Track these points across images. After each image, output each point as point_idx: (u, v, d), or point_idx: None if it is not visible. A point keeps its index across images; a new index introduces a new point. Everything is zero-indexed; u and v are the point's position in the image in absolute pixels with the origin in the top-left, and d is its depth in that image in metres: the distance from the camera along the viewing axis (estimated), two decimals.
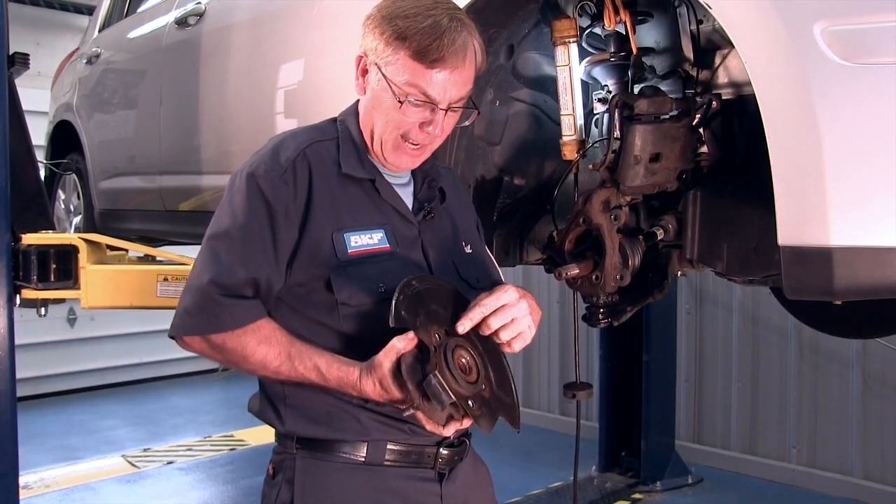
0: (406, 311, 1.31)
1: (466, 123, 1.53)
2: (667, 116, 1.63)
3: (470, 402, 1.29)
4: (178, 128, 3.18)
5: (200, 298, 1.41)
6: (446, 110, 1.43)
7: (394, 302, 1.30)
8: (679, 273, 1.88)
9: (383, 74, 1.42)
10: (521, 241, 2.17)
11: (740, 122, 1.69)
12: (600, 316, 1.77)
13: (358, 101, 1.55)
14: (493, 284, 1.51)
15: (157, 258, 3.48)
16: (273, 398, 1.50)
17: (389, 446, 1.46)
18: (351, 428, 1.44)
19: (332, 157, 1.47)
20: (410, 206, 1.53)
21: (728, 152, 1.71)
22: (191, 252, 3.85)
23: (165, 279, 3.08)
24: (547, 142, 2.05)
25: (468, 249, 1.60)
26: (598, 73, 1.81)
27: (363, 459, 1.45)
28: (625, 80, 1.75)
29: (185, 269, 3.13)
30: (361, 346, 1.41)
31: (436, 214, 1.55)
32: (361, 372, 1.37)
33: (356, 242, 1.43)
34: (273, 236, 1.41)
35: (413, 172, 1.57)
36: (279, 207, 1.41)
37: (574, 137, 1.73)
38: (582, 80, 1.80)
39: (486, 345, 1.38)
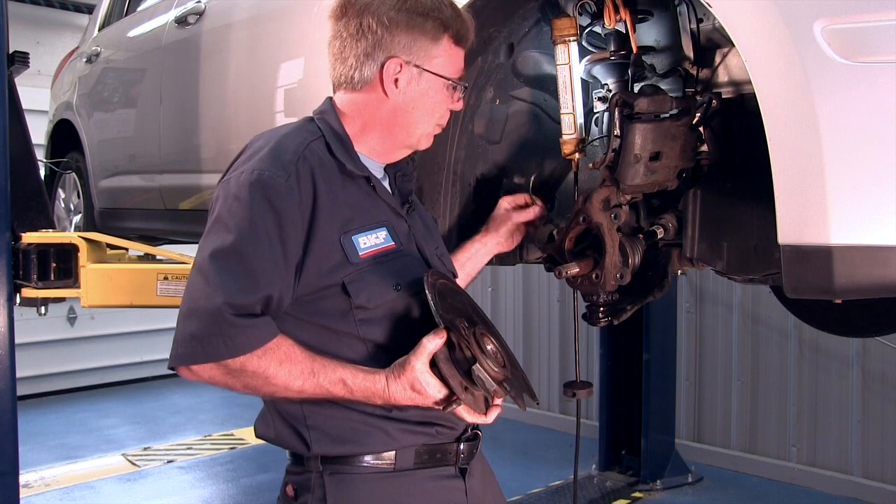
0: (441, 309, 1.33)
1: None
2: (667, 115, 1.63)
3: (506, 385, 1.34)
4: (178, 126, 3.18)
5: (212, 321, 1.29)
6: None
7: (431, 305, 1.32)
8: (679, 272, 1.87)
9: (431, 72, 1.43)
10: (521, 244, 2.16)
11: (740, 120, 1.69)
12: (600, 314, 1.77)
13: (330, 99, 1.53)
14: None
15: (157, 257, 3.48)
16: (291, 420, 1.43)
17: (417, 450, 1.45)
18: (379, 440, 1.42)
19: (326, 156, 1.44)
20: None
21: (728, 151, 1.70)
22: (191, 251, 3.86)
23: (165, 278, 3.08)
24: (547, 140, 2.05)
25: (439, 240, 1.64)
26: (599, 71, 1.81)
27: (392, 467, 1.43)
28: (625, 78, 1.75)
29: (185, 269, 3.13)
30: (378, 348, 1.41)
31: (415, 206, 1.58)
32: (388, 378, 1.34)
33: (365, 244, 1.41)
34: (283, 248, 1.33)
35: (388, 170, 1.57)
36: (288, 216, 1.33)
37: (574, 136, 1.73)
38: (582, 79, 1.80)
39: (486, 323, 1.43)
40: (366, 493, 1.41)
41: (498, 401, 1.40)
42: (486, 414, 1.39)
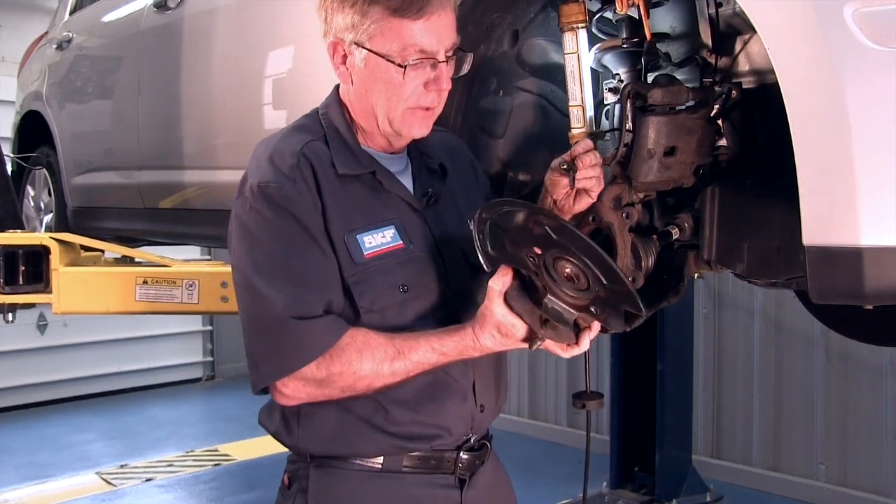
0: (493, 248, 1.35)
1: (465, 71, 1.53)
2: (683, 107, 1.64)
3: (592, 309, 1.34)
4: (158, 119, 3.18)
5: (282, 332, 1.38)
6: (447, 60, 1.45)
7: (477, 245, 1.35)
8: (696, 275, 1.88)
9: (371, 50, 1.42)
10: None
11: (762, 112, 1.69)
12: None
13: (337, 88, 1.56)
14: None
15: (136, 259, 3.49)
16: (288, 414, 1.50)
17: (408, 454, 1.50)
18: (369, 446, 1.48)
19: (326, 156, 1.48)
20: (412, 192, 1.56)
21: (749, 145, 1.71)
22: (172, 253, 3.87)
23: (145, 282, 3.09)
24: (554, 134, 2.06)
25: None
26: (609, 60, 1.82)
27: (380, 467, 1.48)
28: (638, 68, 1.75)
29: (165, 272, 3.14)
30: None
31: (440, 197, 1.58)
32: (474, 330, 1.39)
33: (370, 243, 1.45)
34: (319, 247, 1.41)
35: (409, 153, 1.59)
36: (309, 219, 1.41)
37: (583, 130, 1.73)
38: (592, 69, 1.81)
39: (573, 240, 1.39)
40: (348, 488, 1.48)
41: (596, 326, 1.40)
42: (577, 343, 1.39)
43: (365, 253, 1.44)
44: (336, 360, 1.39)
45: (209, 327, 8.25)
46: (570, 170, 1.56)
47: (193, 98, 2.95)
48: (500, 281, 1.36)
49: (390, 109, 1.46)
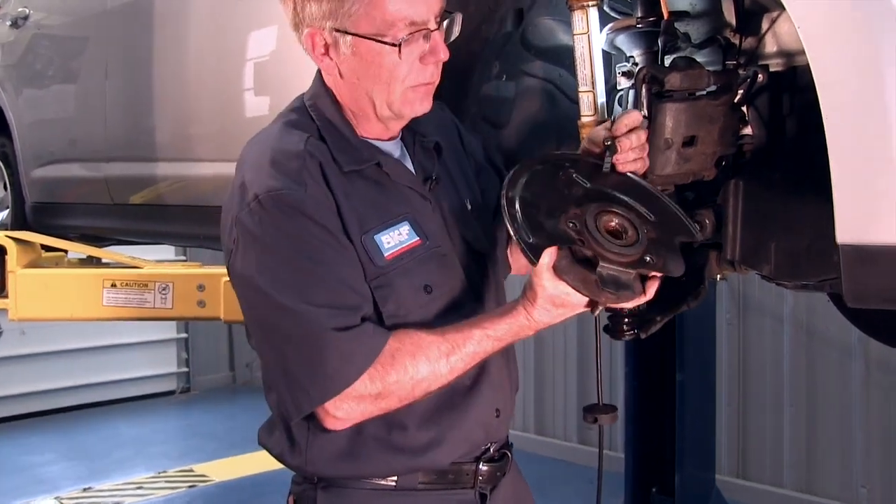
0: (531, 231, 1.41)
1: (456, 34, 1.55)
2: (703, 92, 1.65)
3: (647, 259, 1.40)
4: (128, 106, 3.19)
5: (323, 348, 1.39)
6: (438, 27, 1.47)
7: (518, 241, 1.40)
8: (718, 276, 1.89)
9: (357, 34, 1.44)
10: None
11: (791, 98, 1.70)
12: (625, 327, 1.78)
13: (321, 74, 1.57)
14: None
15: (103, 260, 3.49)
16: (296, 433, 1.52)
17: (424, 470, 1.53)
18: (381, 465, 1.51)
19: (327, 152, 1.50)
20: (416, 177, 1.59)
21: (776, 134, 1.72)
22: (142, 253, 3.86)
23: (113, 285, 3.10)
24: (562, 123, 2.07)
25: (470, 208, 1.67)
26: (623, 41, 1.82)
27: (394, 485, 1.51)
28: (654, 49, 1.76)
29: (135, 273, 3.15)
30: None
31: (440, 179, 1.62)
32: (526, 309, 1.43)
33: (388, 243, 1.48)
34: (345, 250, 1.44)
35: (403, 136, 1.61)
36: (329, 222, 1.43)
37: (594, 118, 1.74)
38: (603, 51, 1.82)
39: (613, 182, 1.45)
40: None
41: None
42: (644, 292, 1.44)
43: (385, 254, 1.47)
44: (390, 369, 1.41)
45: (184, 335, 8.24)
46: (609, 150, 1.51)
47: (167, 82, 2.96)
48: (547, 254, 1.40)
49: (389, 93, 1.48)
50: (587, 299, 1.43)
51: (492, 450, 1.59)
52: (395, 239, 1.48)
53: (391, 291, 1.46)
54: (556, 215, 1.43)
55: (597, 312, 1.46)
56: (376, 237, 1.47)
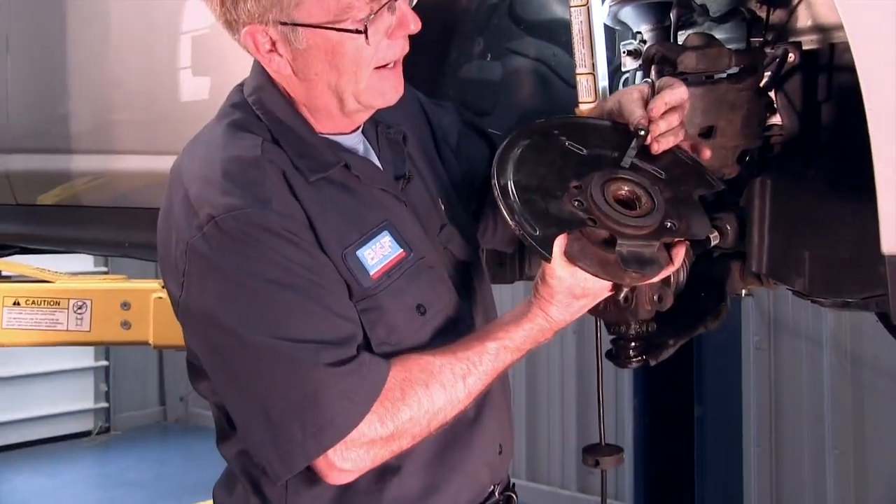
0: (535, 221, 1.43)
1: None
2: (724, 75, 1.67)
3: (668, 225, 1.46)
4: (35, 87, 3.18)
5: (318, 390, 1.38)
6: None
7: (525, 238, 1.42)
8: (743, 292, 1.91)
9: (309, 24, 1.43)
10: (521, 248, 2.19)
11: (828, 81, 1.71)
12: (631, 352, 1.79)
13: (259, 65, 1.56)
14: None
15: (3, 273, 3.47)
16: (263, 489, 1.52)
17: None
18: None
19: (285, 158, 1.49)
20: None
21: (810, 124, 1.74)
22: (52, 263, 3.82)
23: (16, 303, 3.08)
24: (556, 110, 2.08)
25: (442, 206, 1.69)
26: (628, 15, 1.84)
27: None
28: (665, 24, 1.78)
29: (44, 289, 3.13)
30: None
31: (412, 177, 1.64)
32: (541, 308, 1.47)
33: (372, 259, 1.49)
34: (326, 271, 1.44)
35: (364, 127, 1.62)
36: (304, 239, 1.43)
37: (594, 104, 1.76)
38: (606, 26, 1.83)
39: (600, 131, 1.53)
40: None
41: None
42: (671, 262, 1.48)
43: (371, 273, 1.47)
44: (401, 404, 1.42)
45: (104, 362, 8.21)
46: (641, 132, 1.54)
47: (84, 60, 2.95)
48: (557, 242, 1.42)
49: (356, 83, 1.49)
50: (609, 283, 1.47)
51: (497, 493, 1.61)
52: (379, 253, 1.49)
53: (380, 315, 1.47)
54: (559, 195, 1.46)
55: (622, 296, 1.52)
56: (358, 253, 1.47)
